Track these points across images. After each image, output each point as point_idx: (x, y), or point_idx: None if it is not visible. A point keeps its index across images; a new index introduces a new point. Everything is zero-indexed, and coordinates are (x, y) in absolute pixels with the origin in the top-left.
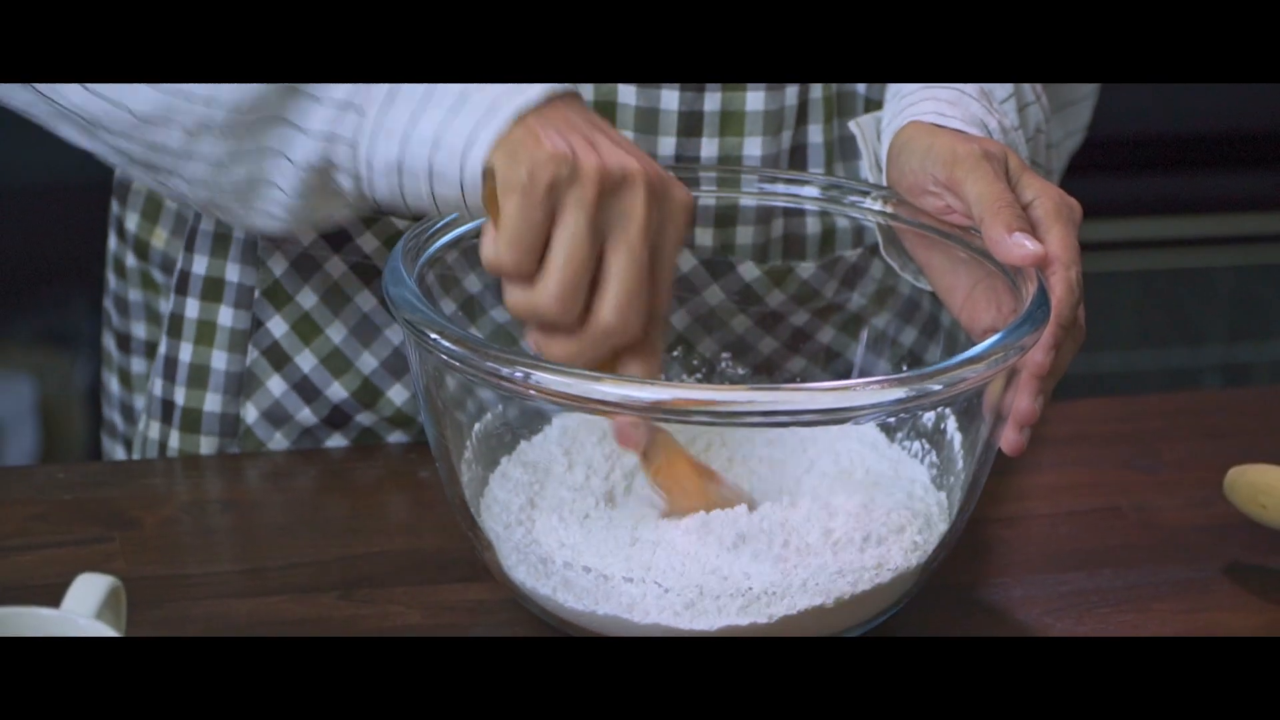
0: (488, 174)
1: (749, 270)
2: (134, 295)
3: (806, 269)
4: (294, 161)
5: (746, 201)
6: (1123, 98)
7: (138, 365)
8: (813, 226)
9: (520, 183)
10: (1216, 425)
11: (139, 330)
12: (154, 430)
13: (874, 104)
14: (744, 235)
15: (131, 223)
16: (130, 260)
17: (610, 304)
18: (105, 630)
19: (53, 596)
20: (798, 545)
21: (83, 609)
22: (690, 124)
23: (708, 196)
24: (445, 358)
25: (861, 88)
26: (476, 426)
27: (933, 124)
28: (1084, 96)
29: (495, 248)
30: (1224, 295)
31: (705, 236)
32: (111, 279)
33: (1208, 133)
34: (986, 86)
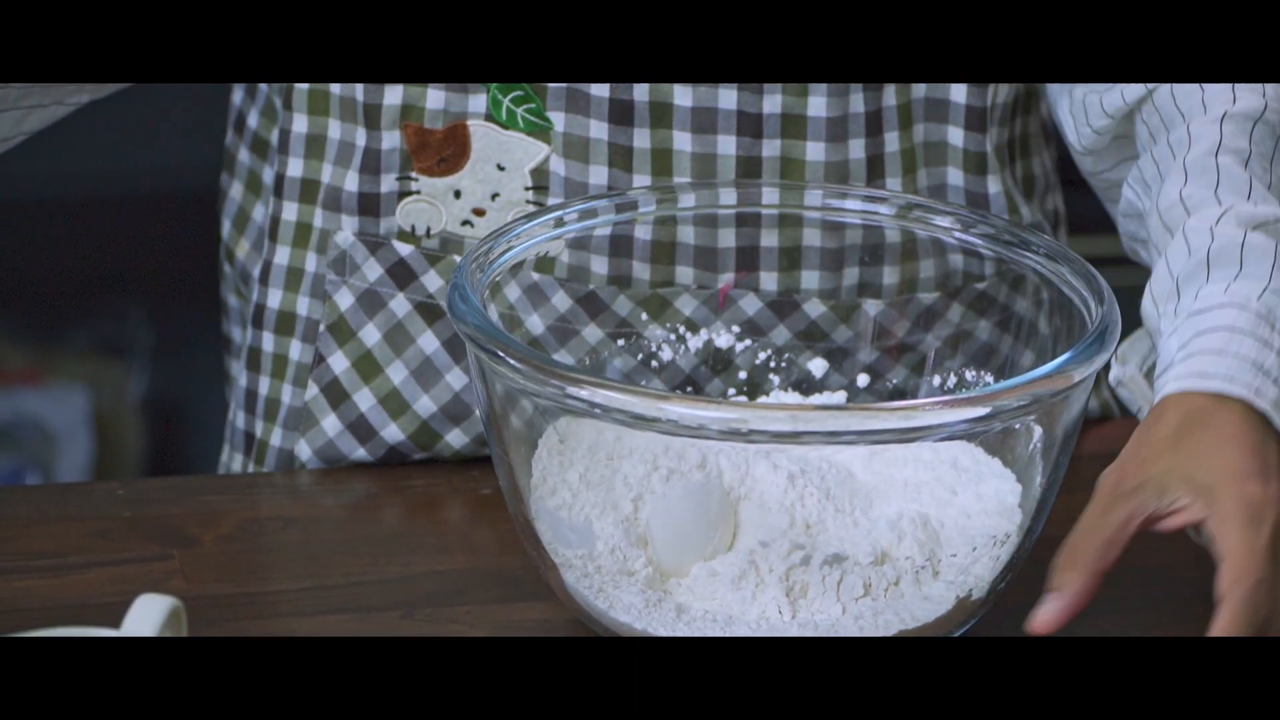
0: None
1: (814, 307)
2: (232, 301)
3: (875, 306)
4: None
5: (811, 240)
6: None
7: (236, 368)
8: (889, 278)
9: None
10: None
11: (236, 334)
12: (236, 462)
13: (974, 111)
14: (809, 280)
15: (225, 230)
16: (226, 267)
17: None
18: None
19: (113, 615)
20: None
21: (143, 630)
22: (750, 125)
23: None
24: (512, 376)
25: (958, 95)
26: (541, 444)
27: (1187, 392)
28: None
29: None
30: None
31: (770, 281)
32: (221, 285)
33: None
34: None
